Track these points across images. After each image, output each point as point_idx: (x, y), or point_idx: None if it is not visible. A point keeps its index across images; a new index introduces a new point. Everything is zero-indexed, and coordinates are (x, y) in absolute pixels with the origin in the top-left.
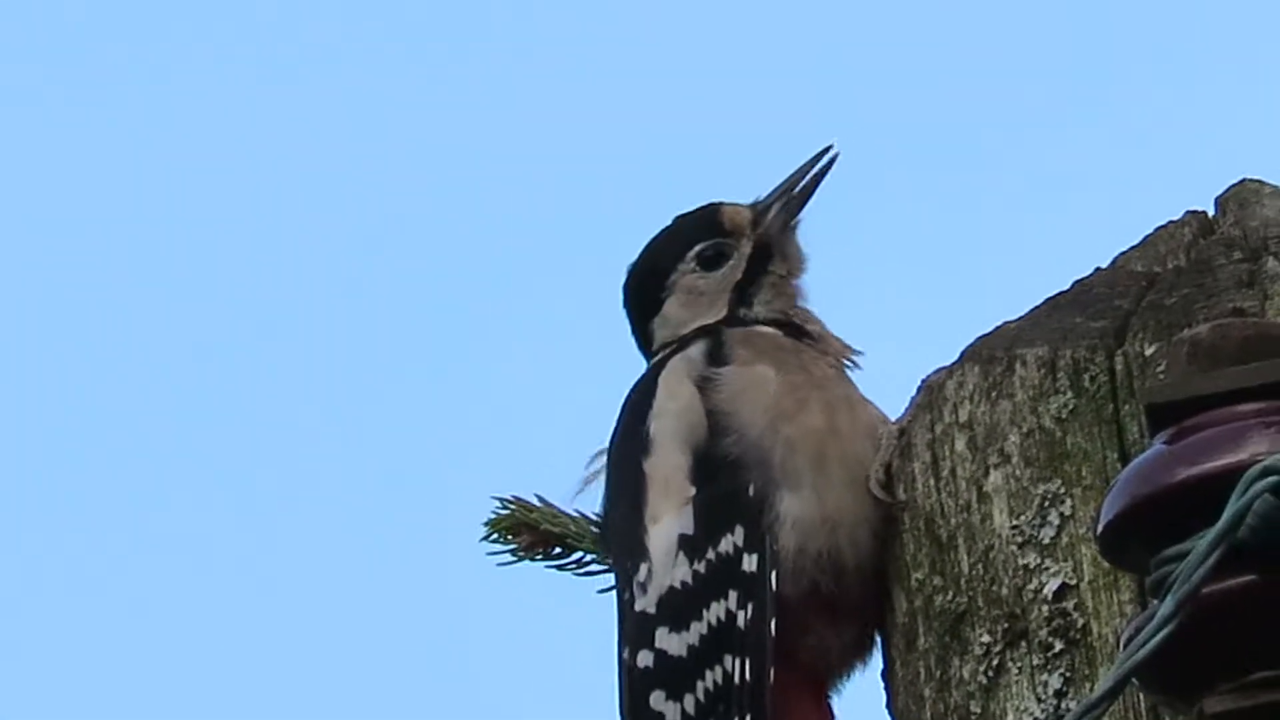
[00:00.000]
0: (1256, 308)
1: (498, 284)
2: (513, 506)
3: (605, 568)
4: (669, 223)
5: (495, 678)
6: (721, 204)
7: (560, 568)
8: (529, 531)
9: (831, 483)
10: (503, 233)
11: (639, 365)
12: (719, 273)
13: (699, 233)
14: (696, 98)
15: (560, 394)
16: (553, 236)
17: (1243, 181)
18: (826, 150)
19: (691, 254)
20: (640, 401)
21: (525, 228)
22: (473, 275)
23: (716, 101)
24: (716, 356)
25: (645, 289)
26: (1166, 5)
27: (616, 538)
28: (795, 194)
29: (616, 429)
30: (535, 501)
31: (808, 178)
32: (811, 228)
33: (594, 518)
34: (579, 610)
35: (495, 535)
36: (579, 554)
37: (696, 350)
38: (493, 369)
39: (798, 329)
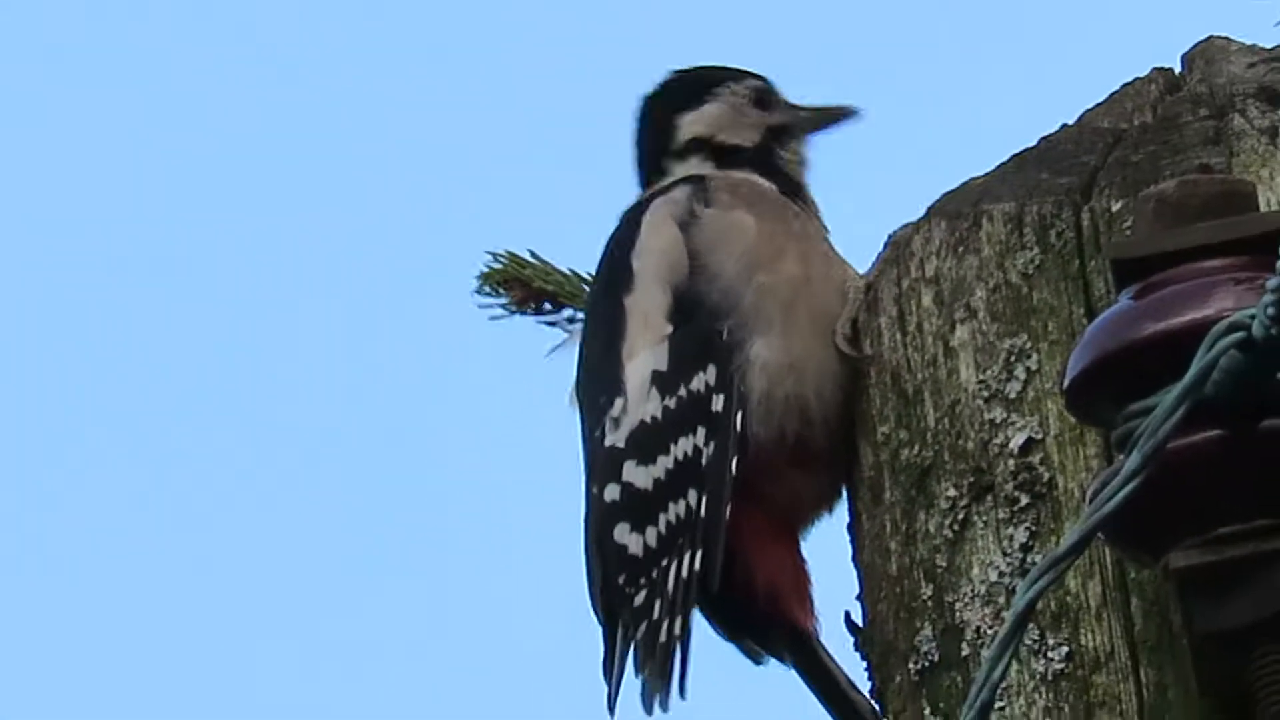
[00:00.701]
0: (1223, 164)
1: (501, 50)
2: (505, 260)
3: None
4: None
5: (478, 443)
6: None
7: (551, 324)
8: (521, 286)
9: (800, 330)
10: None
11: (629, 131)
12: (760, 113)
13: (756, 78)
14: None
15: (558, 153)
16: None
17: (1209, 38)
18: (853, 110)
19: (747, 84)
20: (624, 239)
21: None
22: (477, 38)
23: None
24: (700, 199)
25: (690, 86)
26: None
27: (590, 372)
28: (820, 116)
29: (599, 266)
30: (528, 256)
31: (831, 113)
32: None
33: (586, 275)
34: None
35: (487, 288)
36: (569, 311)
37: (680, 193)
38: (491, 123)
39: (797, 190)
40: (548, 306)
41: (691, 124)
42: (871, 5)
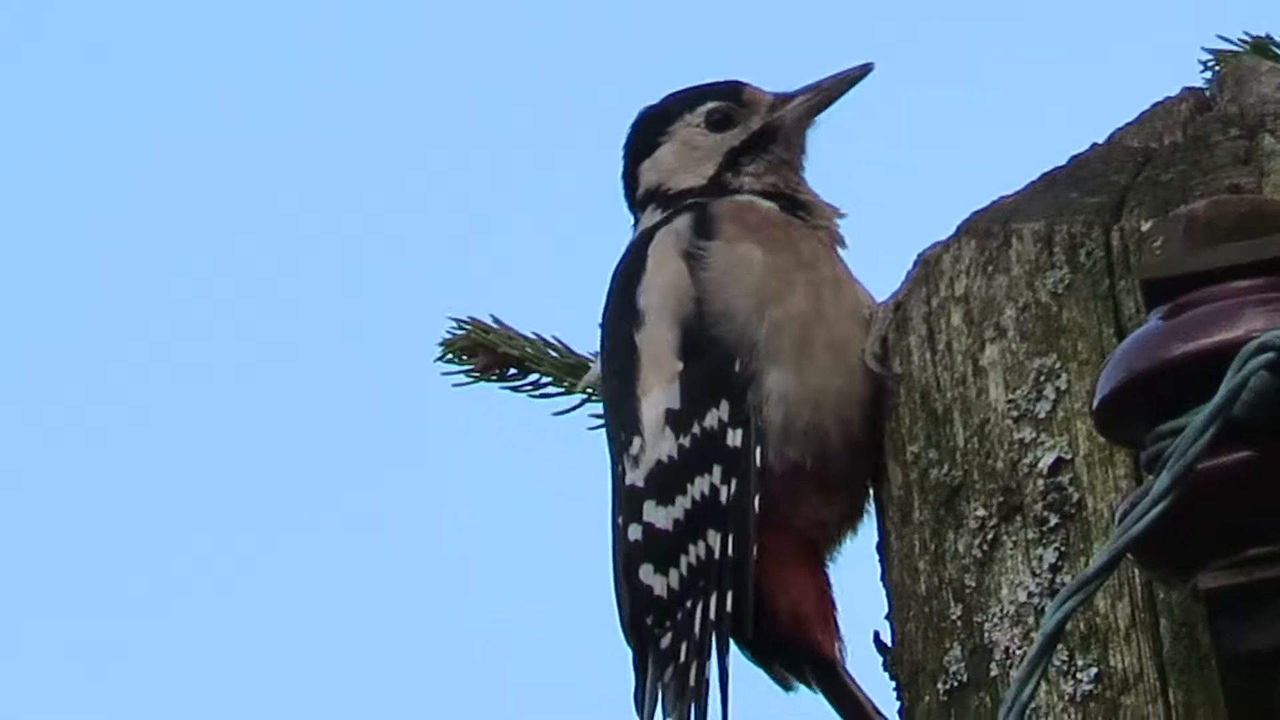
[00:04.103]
0: (1253, 184)
1: (465, 104)
2: (468, 327)
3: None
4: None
5: (450, 505)
6: (746, 82)
7: (516, 389)
8: (485, 352)
9: (815, 361)
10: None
11: (592, 193)
12: (720, 135)
13: (716, 96)
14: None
15: (521, 217)
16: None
17: (1239, 58)
18: (865, 66)
19: (702, 109)
20: (630, 273)
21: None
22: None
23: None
24: (703, 230)
25: (648, 130)
26: None
27: (611, 409)
28: (820, 93)
29: (608, 300)
30: (491, 322)
31: (836, 83)
32: (824, 135)
33: (551, 339)
34: (534, 432)
35: (450, 356)
36: (535, 376)
37: (682, 223)
38: (452, 188)
39: (791, 200)
40: (512, 372)
41: (646, 173)
42: (903, 24)
